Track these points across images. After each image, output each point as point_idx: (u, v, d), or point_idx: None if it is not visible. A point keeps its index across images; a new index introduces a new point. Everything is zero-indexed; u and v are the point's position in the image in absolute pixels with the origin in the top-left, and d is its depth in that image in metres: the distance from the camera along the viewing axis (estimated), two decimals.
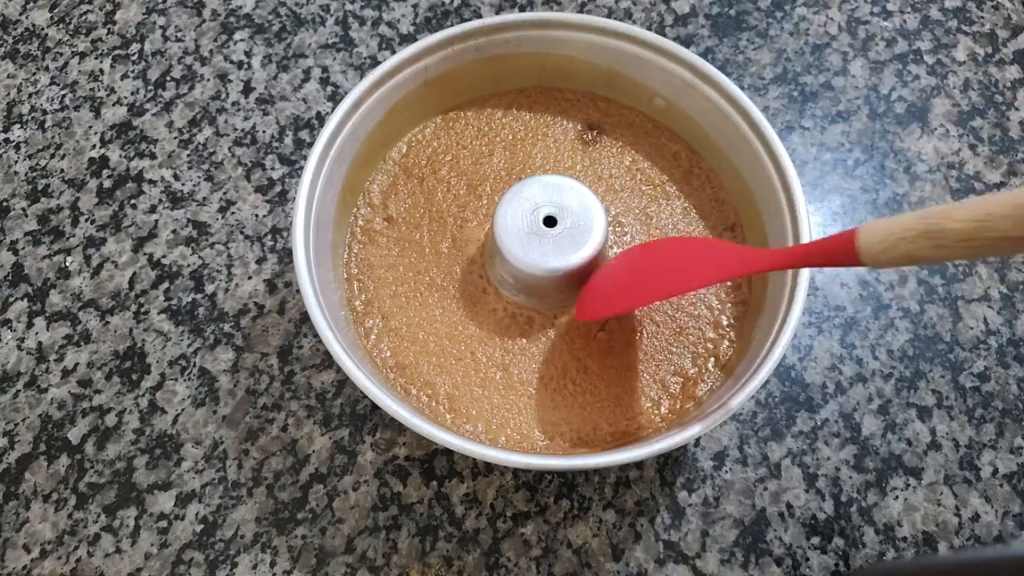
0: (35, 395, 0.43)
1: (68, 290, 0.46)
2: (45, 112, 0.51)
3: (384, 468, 0.41)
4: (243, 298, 0.45)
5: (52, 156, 0.49)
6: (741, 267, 0.33)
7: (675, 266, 0.35)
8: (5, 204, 0.48)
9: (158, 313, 0.45)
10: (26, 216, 0.48)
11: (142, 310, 0.45)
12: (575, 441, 0.38)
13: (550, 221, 0.38)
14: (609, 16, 0.54)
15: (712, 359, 0.39)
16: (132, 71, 0.52)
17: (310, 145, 0.49)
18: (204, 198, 0.48)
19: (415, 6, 0.54)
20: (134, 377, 0.43)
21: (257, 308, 0.45)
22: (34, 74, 0.52)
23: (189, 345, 0.44)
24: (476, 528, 0.40)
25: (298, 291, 0.43)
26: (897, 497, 0.41)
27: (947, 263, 0.46)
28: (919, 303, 0.45)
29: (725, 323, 0.40)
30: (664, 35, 0.51)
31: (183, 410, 0.43)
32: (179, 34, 0.53)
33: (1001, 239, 0.26)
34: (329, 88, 0.51)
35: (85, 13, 0.54)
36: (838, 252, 0.29)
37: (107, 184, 0.48)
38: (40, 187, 0.48)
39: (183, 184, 0.48)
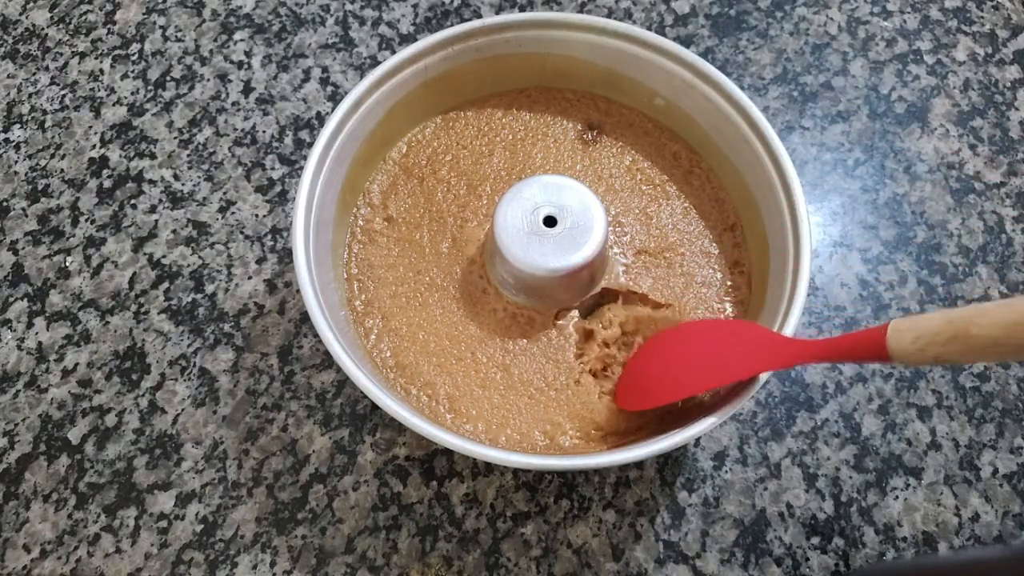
0: (35, 395, 0.43)
1: (68, 290, 0.46)
2: (45, 112, 0.51)
3: (384, 468, 0.41)
4: (243, 298, 0.45)
5: (52, 156, 0.49)
6: (778, 361, 0.33)
7: (712, 357, 0.35)
8: (5, 204, 0.48)
9: (158, 313, 0.45)
10: (26, 216, 0.48)
11: (142, 310, 0.45)
12: (575, 441, 0.38)
13: (550, 221, 0.38)
14: (609, 16, 0.54)
15: None
16: (132, 71, 0.52)
17: (310, 145, 0.49)
18: (204, 198, 0.48)
19: (415, 6, 0.54)
20: (134, 377, 0.43)
21: (257, 308, 0.45)
22: (34, 74, 0.52)
23: (189, 345, 0.44)
24: (476, 528, 0.40)
25: (298, 291, 0.43)
26: (897, 497, 0.41)
27: (947, 266, 0.46)
28: (919, 303, 0.45)
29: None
30: (664, 35, 0.51)
31: (183, 410, 0.43)
32: (179, 34, 0.53)
33: None
34: (329, 88, 0.51)
35: (85, 13, 0.54)
36: (869, 351, 0.30)
37: (107, 184, 0.48)
38: (40, 187, 0.48)
39: (183, 184, 0.48)
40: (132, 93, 0.51)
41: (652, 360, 0.38)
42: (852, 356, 0.31)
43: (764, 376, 0.34)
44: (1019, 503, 0.41)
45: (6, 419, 0.42)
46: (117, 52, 0.53)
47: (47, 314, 0.45)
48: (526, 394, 0.39)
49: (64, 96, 0.51)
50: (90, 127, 0.50)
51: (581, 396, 0.38)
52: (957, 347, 0.28)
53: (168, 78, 0.52)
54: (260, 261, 0.46)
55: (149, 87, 0.51)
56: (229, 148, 0.49)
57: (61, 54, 0.53)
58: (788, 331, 0.34)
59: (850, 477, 0.41)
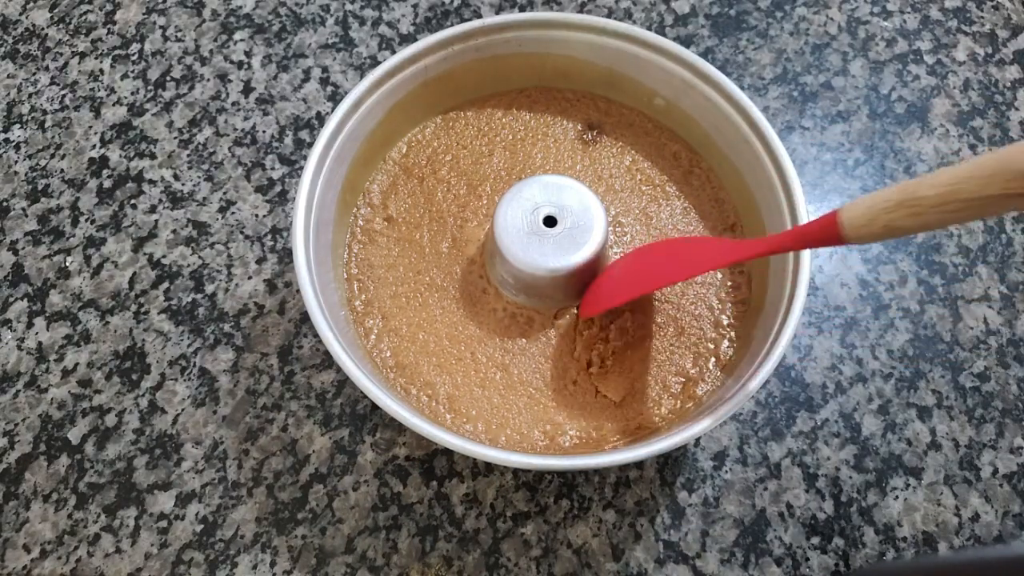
0: (35, 395, 0.43)
1: (68, 290, 0.46)
2: (45, 112, 0.51)
3: (384, 468, 0.41)
4: (243, 298, 0.45)
5: (52, 156, 0.49)
6: (735, 254, 0.34)
7: (673, 258, 0.37)
8: (5, 204, 0.48)
9: (158, 313, 0.45)
10: (26, 216, 0.48)
11: (142, 310, 0.45)
12: (575, 441, 0.38)
13: (550, 221, 0.38)
14: (609, 16, 0.54)
15: (713, 359, 0.39)
16: (132, 71, 0.52)
17: (310, 145, 0.49)
18: (204, 198, 0.48)
19: (415, 6, 0.54)
20: (134, 377, 0.43)
21: (257, 308, 0.45)
22: (34, 74, 0.52)
23: (189, 345, 0.44)
24: (476, 528, 0.40)
25: (298, 291, 0.43)
26: (897, 497, 0.41)
27: (947, 266, 0.46)
28: (919, 303, 0.45)
29: (726, 323, 0.40)
30: (664, 35, 0.51)
31: (183, 410, 0.43)
32: (179, 34, 0.53)
33: (970, 201, 0.27)
34: (329, 88, 0.51)
35: (85, 13, 0.54)
36: (824, 231, 0.31)
37: (107, 184, 0.48)
38: (40, 187, 0.48)
39: (183, 184, 0.48)
40: (132, 93, 0.51)
41: (615, 271, 0.39)
42: (809, 241, 0.32)
43: (764, 375, 0.34)
44: (1019, 503, 0.41)
45: (6, 419, 0.42)
46: (117, 52, 0.53)
47: (47, 314, 0.45)
48: (525, 394, 0.39)
49: (64, 96, 0.51)
50: (90, 127, 0.50)
51: (578, 396, 0.38)
52: (904, 212, 0.28)
53: (168, 78, 0.52)
54: (260, 261, 0.46)
55: (149, 87, 0.51)
56: (229, 148, 0.49)
57: (61, 54, 0.53)
58: (788, 331, 0.34)
59: (850, 477, 0.41)
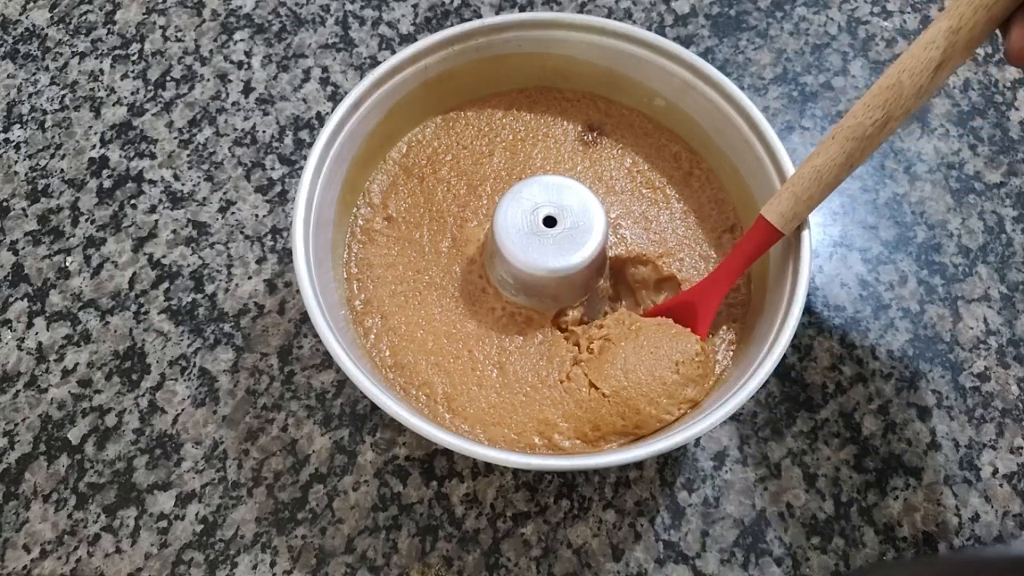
0: (35, 395, 0.43)
1: (68, 290, 0.46)
2: (45, 112, 0.51)
3: (384, 468, 0.41)
4: (243, 298, 0.45)
5: (52, 156, 0.49)
6: (705, 320, 0.39)
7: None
8: (5, 204, 0.48)
9: (158, 313, 0.45)
10: (26, 216, 0.48)
11: (142, 310, 0.45)
12: (571, 439, 0.38)
13: (550, 221, 0.38)
14: (609, 16, 0.54)
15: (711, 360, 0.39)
16: (132, 71, 0.52)
17: (310, 145, 0.49)
18: (204, 198, 0.48)
19: (415, 6, 0.54)
20: (134, 377, 0.43)
21: (257, 308, 0.45)
22: (34, 74, 0.52)
23: (189, 345, 0.44)
24: (476, 528, 0.40)
25: (298, 291, 0.43)
26: (897, 497, 0.41)
27: (947, 266, 0.46)
28: (919, 303, 0.45)
29: (725, 324, 0.40)
30: (664, 35, 0.51)
31: (183, 410, 0.43)
32: (179, 34, 0.53)
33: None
34: (329, 88, 0.51)
35: (85, 13, 0.54)
36: (759, 240, 0.36)
37: (107, 184, 0.48)
38: (40, 187, 0.48)
39: (183, 184, 0.48)
40: (132, 93, 0.51)
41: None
42: (751, 256, 0.37)
43: (764, 375, 0.34)
44: (1019, 503, 0.41)
45: (6, 419, 0.42)
46: (117, 52, 0.53)
47: (47, 314, 0.45)
48: (521, 392, 0.38)
49: (64, 96, 0.51)
50: (90, 127, 0.50)
51: (572, 392, 0.38)
52: (817, 186, 0.35)
53: (168, 78, 0.52)
54: (260, 261, 0.46)
55: (149, 87, 0.51)
56: (229, 148, 0.49)
57: (61, 54, 0.53)
58: (788, 331, 0.34)
59: (850, 477, 0.41)
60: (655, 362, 0.38)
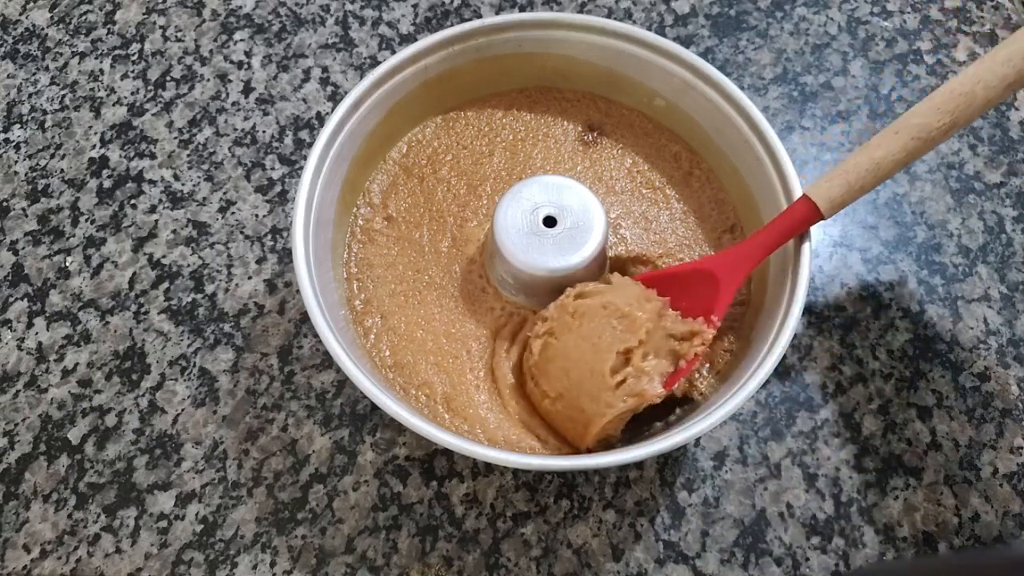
0: (35, 395, 0.43)
1: (68, 290, 0.46)
2: (45, 112, 0.51)
3: (384, 468, 0.41)
4: (243, 298, 0.45)
5: (52, 156, 0.49)
6: (740, 272, 0.37)
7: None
8: (5, 204, 0.48)
9: (158, 313, 0.45)
10: (26, 216, 0.48)
11: (142, 310, 0.45)
12: (562, 448, 0.38)
13: (550, 221, 0.38)
14: (609, 16, 0.54)
15: (713, 360, 0.39)
16: (132, 71, 0.52)
17: (310, 145, 0.49)
18: (204, 198, 0.48)
19: (415, 6, 0.54)
20: (134, 377, 0.43)
21: (257, 308, 0.45)
22: (34, 74, 0.52)
23: (189, 345, 0.44)
24: (476, 528, 0.40)
25: (298, 291, 0.43)
26: (897, 497, 0.41)
27: (947, 266, 0.46)
28: (919, 303, 0.45)
29: (725, 324, 0.40)
30: (664, 35, 0.51)
31: (183, 410, 0.43)
32: (179, 34, 0.53)
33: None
34: (329, 88, 0.51)
35: (85, 13, 0.54)
36: (805, 218, 0.36)
37: (107, 184, 0.48)
38: (40, 187, 0.48)
39: (183, 184, 0.48)
40: (132, 93, 0.51)
41: None
42: (787, 234, 0.36)
43: (764, 376, 0.34)
44: (1019, 503, 0.41)
45: (6, 419, 0.42)
46: (117, 52, 0.53)
47: (47, 314, 0.45)
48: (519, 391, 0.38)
49: (64, 96, 0.51)
50: (90, 127, 0.50)
51: (534, 398, 0.37)
52: (872, 180, 0.35)
53: (168, 78, 0.52)
54: (260, 261, 0.46)
55: (149, 87, 0.51)
56: (229, 148, 0.49)
57: (61, 54, 0.53)
58: (788, 331, 0.34)
59: (850, 477, 0.41)
60: (595, 355, 0.34)
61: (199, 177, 0.49)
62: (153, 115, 0.50)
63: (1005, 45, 0.33)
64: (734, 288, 0.37)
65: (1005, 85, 0.33)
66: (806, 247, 0.36)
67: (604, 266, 0.40)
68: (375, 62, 0.52)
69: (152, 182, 0.48)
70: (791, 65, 0.52)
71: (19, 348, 0.44)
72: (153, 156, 0.49)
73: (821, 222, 0.36)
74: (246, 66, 0.52)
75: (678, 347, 0.36)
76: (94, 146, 0.50)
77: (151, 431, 0.42)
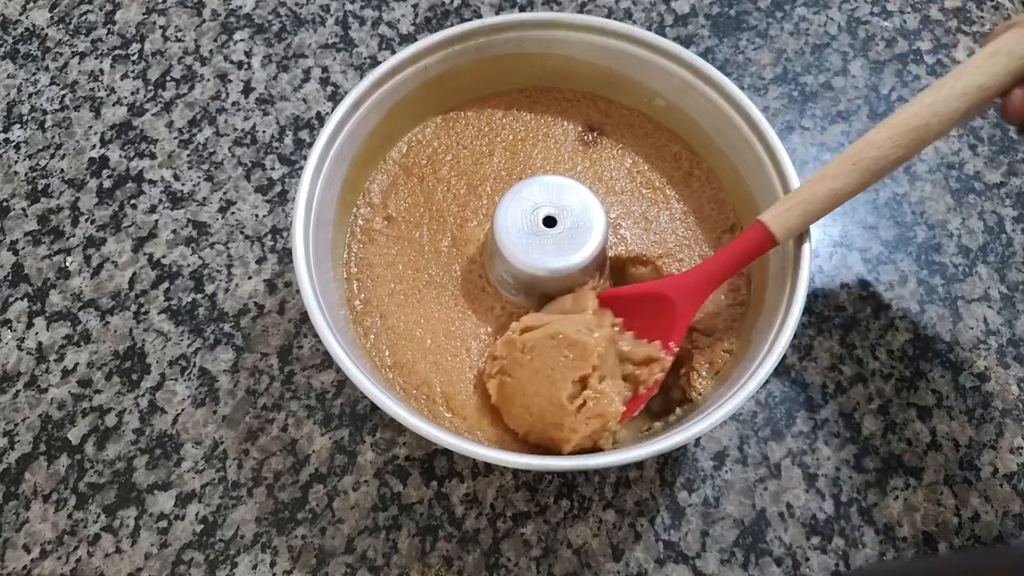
0: (35, 395, 0.43)
1: (68, 290, 0.46)
2: (45, 112, 0.51)
3: (384, 468, 0.41)
4: (243, 298, 0.45)
5: (52, 156, 0.49)
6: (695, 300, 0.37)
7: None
8: (5, 204, 0.48)
9: (158, 313, 0.45)
10: (26, 216, 0.48)
11: (142, 310, 0.45)
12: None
13: (550, 221, 0.38)
14: (609, 16, 0.54)
15: (712, 360, 0.39)
16: (132, 71, 0.52)
17: (310, 145, 0.49)
18: (204, 198, 0.48)
19: (415, 6, 0.54)
20: (134, 377, 0.43)
21: (257, 308, 0.45)
22: (34, 74, 0.52)
23: (189, 345, 0.44)
24: (476, 528, 0.40)
25: (298, 291, 0.43)
26: (897, 497, 0.41)
27: (947, 266, 0.46)
28: (919, 303, 0.45)
29: (725, 324, 0.40)
30: (664, 35, 0.51)
31: (183, 410, 0.43)
32: (179, 34, 0.53)
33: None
34: (329, 88, 0.51)
35: (85, 13, 0.54)
36: (759, 246, 0.36)
37: (107, 184, 0.48)
38: (40, 187, 0.48)
39: (183, 184, 0.48)
40: (132, 93, 0.51)
41: None
42: (742, 262, 0.36)
43: (764, 375, 0.34)
44: (1019, 503, 0.41)
45: (6, 419, 0.42)
46: (117, 52, 0.53)
47: (47, 314, 0.45)
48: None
49: (64, 96, 0.51)
50: (90, 127, 0.50)
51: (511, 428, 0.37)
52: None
53: (168, 78, 0.52)
54: (260, 261, 0.46)
55: (149, 87, 0.51)
56: (229, 148, 0.49)
57: (61, 54, 0.53)
58: (788, 331, 0.34)
59: (850, 477, 0.41)
60: (551, 387, 0.34)
61: (199, 177, 0.49)
62: (153, 115, 0.50)
63: (960, 75, 0.34)
64: (691, 314, 0.37)
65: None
66: (806, 247, 0.36)
67: (604, 266, 0.40)
68: (375, 62, 0.52)
69: (152, 182, 0.48)
70: (791, 65, 0.52)
71: (19, 348, 0.44)
72: (153, 156, 0.49)
73: (820, 222, 0.36)
74: (246, 66, 0.52)
75: (636, 372, 0.36)
76: (94, 146, 0.50)
77: (151, 431, 0.42)
